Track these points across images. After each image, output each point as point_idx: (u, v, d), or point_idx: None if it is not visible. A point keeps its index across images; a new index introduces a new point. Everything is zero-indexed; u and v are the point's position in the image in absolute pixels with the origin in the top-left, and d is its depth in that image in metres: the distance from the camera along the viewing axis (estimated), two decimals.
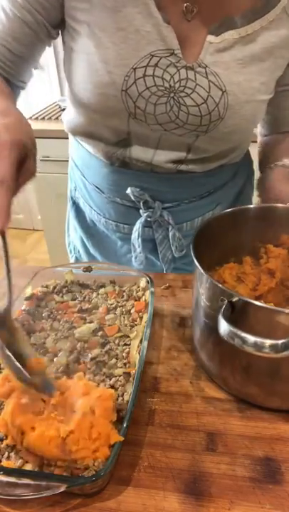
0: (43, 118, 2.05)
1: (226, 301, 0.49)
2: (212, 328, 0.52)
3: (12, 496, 0.45)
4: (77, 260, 1.02)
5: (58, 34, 0.71)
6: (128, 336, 0.64)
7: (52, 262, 2.31)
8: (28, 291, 0.72)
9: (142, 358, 0.58)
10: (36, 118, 2.06)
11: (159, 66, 0.63)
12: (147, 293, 0.70)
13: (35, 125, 1.99)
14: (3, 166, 0.48)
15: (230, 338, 0.46)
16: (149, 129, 0.69)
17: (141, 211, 0.82)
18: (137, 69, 0.62)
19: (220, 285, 0.50)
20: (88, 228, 0.95)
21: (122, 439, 0.48)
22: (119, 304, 0.71)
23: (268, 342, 0.44)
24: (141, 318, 0.67)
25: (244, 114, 0.68)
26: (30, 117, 2.06)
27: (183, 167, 0.76)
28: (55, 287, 0.74)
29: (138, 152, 0.75)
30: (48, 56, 2.30)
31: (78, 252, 1.02)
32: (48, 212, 2.16)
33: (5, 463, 0.47)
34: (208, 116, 0.67)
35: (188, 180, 0.79)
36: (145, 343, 0.60)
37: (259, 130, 0.89)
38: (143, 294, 0.72)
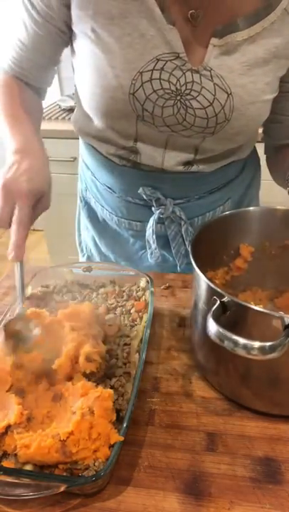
0: (43, 118, 2.04)
1: (218, 301, 0.49)
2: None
3: (12, 496, 0.45)
4: (89, 259, 1.04)
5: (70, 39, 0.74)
6: (128, 336, 0.64)
7: (52, 262, 2.31)
8: (28, 291, 0.72)
9: (142, 358, 0.58)
10: None
11: (165, 69, 0.64)
12: (147, 293, 0.70)
13: None
14: (23, 211, 0.59)
15: (218, 338, 0.46)
16: (157, 130, 0.70)
17: (153, 208, 0.83)
18: (143, 73, 0.63)
19: (212, 285, 0.51)
20: (100, 227, 0.96)
21: (122, 439, 0.48)
22: (119, 304, 0.71)
23: (256, 344, 0.44)
24: (141, 318, 0.67)
25: (250, 115, 0.69)
26: None
27: (193, 168, 0.78)
28: (55, 287, 0.74)
29: (147, 159, 0.77)
30: None
31: (90, 250, 1.03)
32: (48, 212, 2.14)
33: (5, 463, 0.47)
34: (215, 118, 0.68)
35: (197, 178, 0.81)
36: (145, 343, 0.60)
37: (266, 142, 0.90)
38: (143, 294, 0.72)
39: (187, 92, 0.65)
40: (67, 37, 0.71)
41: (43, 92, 0.83)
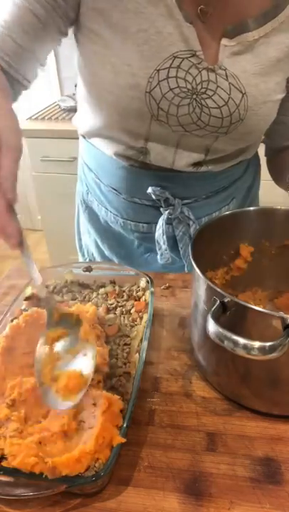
0: (43, 118, 2.05)
1: (218, 301, 0.49)
2: None
3: (12, 496, 0.45)
4: None
5: (68, 33, 0.69)
6: (128, 336, 0.64)
7: (52, 262, 2.31)
8: (28, 291, 0.72)
9: (142, 358, 0.58)
10: (36, 118, 2.05)
11: (181, 67, 0.63)
12: (147, 293, 0.70)
13: (35, 125, 1.98)
14: (9, 169, 0.45)
15: (218, 338, 0.46)
16: (170, 130, 0.70)
17: (162, 209, 0.83)
18: (160, 70, 0.63)
19: (212, 285, 0.51)
20: (103, 231, 0.95)
21: (123, 440, 0.48)
22: (119, 304, 0.71)
23: (256, 344, 0.44)
24: (141, 318, 0.67)
25: (262, 114, 0.70)
26: (30, 117, 2.06)
27: (203, 168, 0.78)
28: (55, 287, 0.74)
29: (157, 159, 0.76)
30: (48, 56, 2.30)
31: (92, 255, 1.01)
32: (47, 212, 2.16)
33: (5, 463, 0.47)
34: (229, 118, 0.68)
35: (206, 177, 0.81)
36: (145, 343, 0.60)
37: (267, 144, 0.90)
38: (143, 294, 0.72)
39: (203, 90, 0.65)
40: (64, 30, 0.66)
41: (17, 88, 0.69)
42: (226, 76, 0.65)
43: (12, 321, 0.62)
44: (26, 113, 2.06)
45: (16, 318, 0.64)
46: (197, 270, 0.53)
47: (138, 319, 0.67)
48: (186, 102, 0.66)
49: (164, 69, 0.63)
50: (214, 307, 0.49)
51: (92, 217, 0.95)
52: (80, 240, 1.05)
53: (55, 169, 2.00)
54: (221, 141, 0.72)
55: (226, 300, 0.49)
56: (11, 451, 0.46)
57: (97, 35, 0.64)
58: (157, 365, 0.64)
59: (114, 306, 0.70)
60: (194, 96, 0.65)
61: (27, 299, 0.71)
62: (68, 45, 0.72)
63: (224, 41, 0.64)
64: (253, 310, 0.48)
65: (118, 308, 0.69)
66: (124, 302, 0.71)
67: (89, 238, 1.00)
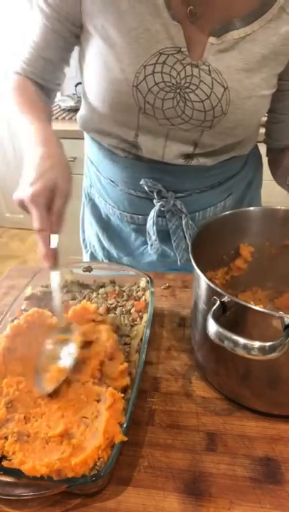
0: None
1: (218, 301, 0.49)
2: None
3: (12, 496, 0.45)
4: (93, 255, 1.05)
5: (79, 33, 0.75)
6: (128, 336, 0.64)
7: None
8: (28, 291, 0.72)
9: (142, 358, 0.58)
10: None
11: (166, 63, 0.66)
12: (147, 293, 0.70)
13: None
14: (60, 209, 0.58)
15: (217, 338, 0.46)
16: (157, 123, 0.72)
17: (154, 201, 0.84)
18: (146, 66, 0.66)
19: (212, 285, 0.51)
20: (103, 223, 0.98)
21: (125, 439, 0.48)
22: (119, 304, 0.71)
23: (256, 344, 0.44)
24: (141, 318, 0.67)
25: (246, 109, 0.71)
26: None
27: (194, 162, 0.79)
28: None
29: (148, 152, 0.78)
30: None
31: (93, 247, 1.04)
32: None
33: (5, 463, 0.47)
34: (212, 111, 0.70)
35: (198, 171, 0.82)
36: (145, 343, 0.60)
37: (267, 144, 0.89)
38: (143, 294, 0.72)
39: (186, 85, 0.67)
40: (77, 34, 0.72)
41: (53, 95, 0.84)
42: (209, 71, 0.67)
43: (12, 321, 0.62)
44: None
45: (16, 318, 0.64)
46: (197, 270, 0.53)
47: (138, 319, 0.67)
48: (170, 95, 0.68)
49: (150, 65, 0.66)
50: (214, 307, 0.49)
51: (94, 209, 0.98)
52: (83, 232, 1.08)
53: None
54: (207, 135, 0.74)
55: (225, 300, 0.49)
56: (18, 456, 0.47)
57: (91, 34, 0.68)
58: (157, 365, 0.64)
59: (114, 306, 0.70)
60: (178, 90, 0.68)
61: (27, 298, 0.71)
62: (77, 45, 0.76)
63: (211, 39, 0.66)
64: (253, 310, 0.48)
65: (118, 308, 0.70)
66: (124, 302, 0.71)
67: (91, 230, 1.03)
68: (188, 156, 0.78)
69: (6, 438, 0.49)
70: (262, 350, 0.44)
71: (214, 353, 0.58)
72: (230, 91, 0.67)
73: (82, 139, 0.95)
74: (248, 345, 0.44)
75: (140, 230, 0.91)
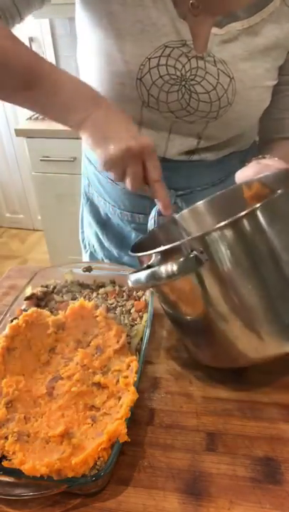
0: (43, 118, 2.04)
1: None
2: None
3: (12, 496, 0.45)
4: (92, 255, 1.05)
5: None
6: (128, 336, 0.64)
7: (52, 262, 2.31)
8: (28, 291, 0.72)
9: (142, 358, 0.58)
10: (36, 118, 2.05)
11: (171, 56, 0.67)
12: (147, 293, 0.70)
13: (35, 125, 1.98)
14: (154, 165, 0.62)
15: (138, 283, 0.49)
16: (161, 116, 0.72)
17: (155, 199, 0.83)
18: (151, 59, 0.66)
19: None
20: (103, 223, 0.98)
21: (128, 439, 0.48)
22: (119, 304, 0.71)
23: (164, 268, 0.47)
24: (141, 317, 0.67)
25: (251, 99, 0.72)
26: (30, 117, 2.06)
27: (195, 157, 0.79)
28: (55, 287, 0.74)
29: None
30: (48, 54, 2.30)
31: (93, 246, 1.04)
32: (48, 212, 2.15)
33: (5, 463, 0.47)
34: (218, 102, 0.70)
35: (199, 168, 0.82)
36: (145, 343, 0.60)
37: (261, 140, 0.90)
38: (143, 294, 0.72)
39: (192, 77, 0.68)
40: None
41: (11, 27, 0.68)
42: (215, 62, 0.67)
43: (12, 321, 0.62)
44: (26, 113, 2.06)
45: (16, 318, 0.64)
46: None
47: (138, 319, 0.67)
48: (175, 88, 0.68)
49: (155, 57, 0.66)
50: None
51: (93, 209, 0.98)
52: (82, 232, 1.08)
53: (55, 169, 2.00)
54: (212, 126, 0.74)
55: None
56: (18, 456, 0.47)
57: (94, 24, 0.68)
58: (157, 365, 0.64)
59: (114, 305, 0.70)
60: (183, 83, 0.68)
61: (27, 299, 0.71)
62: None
63: (214, 30, 0.66)
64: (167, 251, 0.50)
65: (118, 308, 0.70)
66: (124, 302, 0.71)
67: (90, 230, 1.03)
68: (190, 152, 0.78)
69: (6, 438, 0.48)
70: (169, 274, 0.47)
71: (177, 325, 0.59)
72: (235, 81, 0.68)
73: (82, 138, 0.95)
74: (164, 270, 0.47)
75: (141, 229, 0.90)
